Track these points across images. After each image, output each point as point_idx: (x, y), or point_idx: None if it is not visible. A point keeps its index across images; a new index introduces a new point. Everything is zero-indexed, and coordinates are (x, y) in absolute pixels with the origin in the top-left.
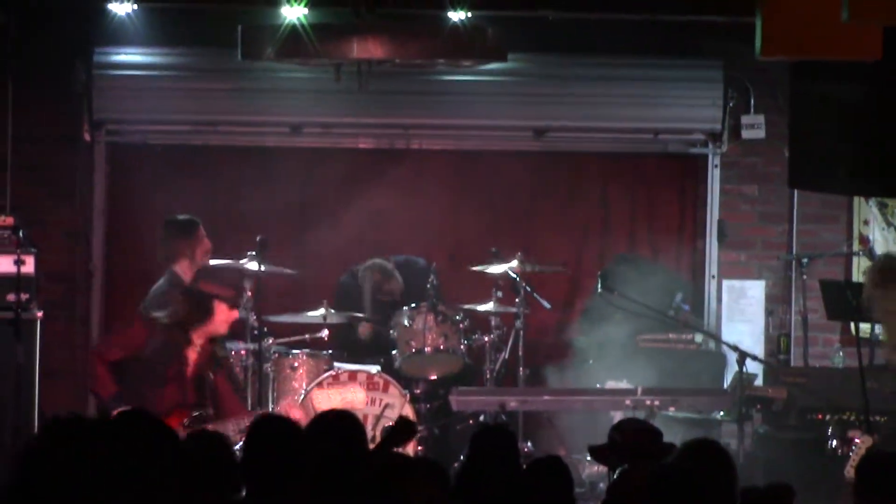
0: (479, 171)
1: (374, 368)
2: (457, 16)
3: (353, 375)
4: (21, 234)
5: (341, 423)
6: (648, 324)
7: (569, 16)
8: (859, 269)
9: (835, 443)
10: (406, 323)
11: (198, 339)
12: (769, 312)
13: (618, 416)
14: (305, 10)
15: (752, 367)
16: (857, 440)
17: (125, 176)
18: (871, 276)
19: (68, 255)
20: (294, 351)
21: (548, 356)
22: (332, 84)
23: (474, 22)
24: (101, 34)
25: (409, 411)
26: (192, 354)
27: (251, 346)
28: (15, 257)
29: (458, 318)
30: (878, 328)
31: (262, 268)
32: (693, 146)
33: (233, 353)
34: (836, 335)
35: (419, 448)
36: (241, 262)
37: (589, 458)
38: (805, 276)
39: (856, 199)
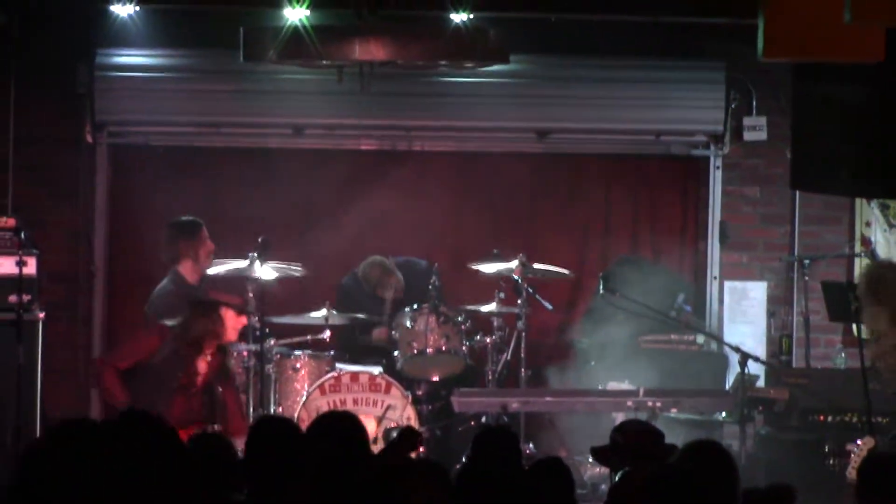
0: (481, 173)
1: (377, 370)
2: (459, 17)
3: (354, 377)
4: (23, 235)
5: (342, 423)
6: (650, 325)
7: (571, 17)
8: (861, 270)
9: (832, 460)
10: (408, 324)
11: (208, 348)
12: (771, 314)
13: (620, 418)
14: (307, 12)
15: (754, 368)
16: (858, 442)
17: (127, 177)
18: (861, 283)
19: (70, 257)
20: (296, 352)
21: (550, 357)
22: (335, 86)
23: (476, 23)
24: (103, 35)
25: (410, 412)
26: (203, 365)
27: (253, 346)
28: (17, 258)
29: (459, 319)
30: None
31: (268, 269)
32: (695, 148)
33: (235, 353)
34: (838, 336)
35: (421, 449)
36: (247, 263)
37: (591, 459)
38: (807, 278)
39: (858, 200)
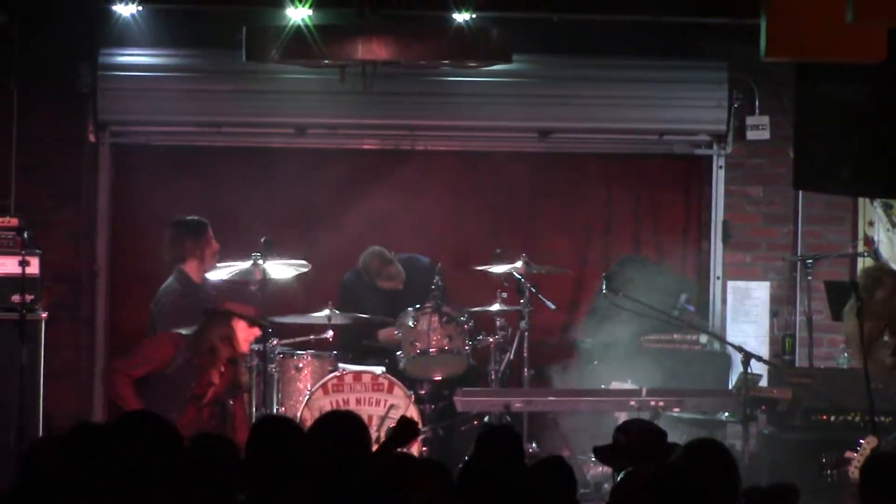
0: (483, 173)
1: (379, 369)
2: (461, 17)
3: (357, 376)
4: (25, 235)
5: (344, 423)
6: (653, 325)
7: (573, 17)
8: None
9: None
10: (411, 324)
11: (222, 358)
12: (774, 313)
13: (622, 417)
14: (310, 12)
15: (757, 367)
16: (861, 441)
17: (129, 177)
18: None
19: (73, 256)
20: (299, 352)
21: (552, 357)
22: (337, 85)
23: (479, 23)
24: (105, 35)
25: (413, 412)
26: (216, 376)
27: (256, 346)
28: (20, 258)
29: (462, 318)
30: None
31: (280, 267)
32: (698, 147)
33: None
34: (841, 336)
35: (423, 449)
36: (251, 263)
37: (593, 458)
38: (810, 277)
39: (860, 199)
